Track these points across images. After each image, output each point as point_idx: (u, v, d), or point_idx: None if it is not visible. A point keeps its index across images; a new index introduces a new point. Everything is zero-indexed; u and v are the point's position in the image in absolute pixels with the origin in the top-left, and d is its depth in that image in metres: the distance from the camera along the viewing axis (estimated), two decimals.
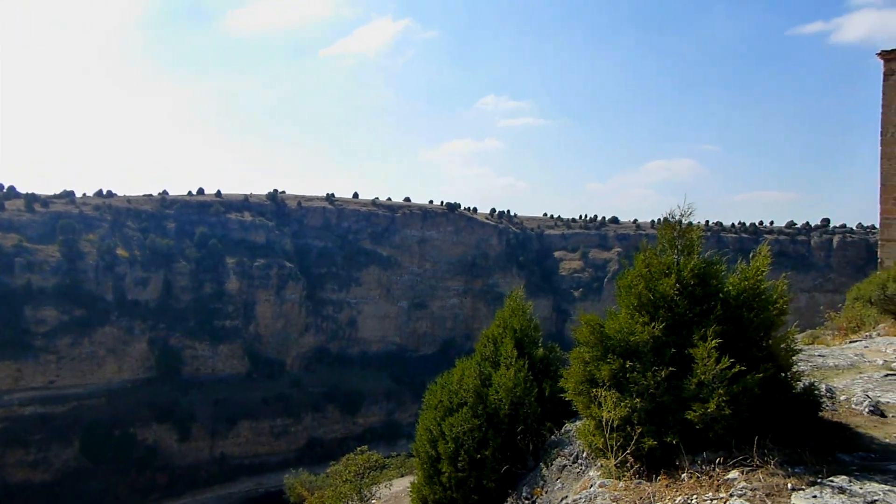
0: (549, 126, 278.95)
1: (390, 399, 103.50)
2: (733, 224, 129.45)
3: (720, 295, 5.38)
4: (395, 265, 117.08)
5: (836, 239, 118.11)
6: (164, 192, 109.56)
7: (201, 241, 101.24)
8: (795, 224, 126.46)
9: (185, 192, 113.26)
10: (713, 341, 4.85)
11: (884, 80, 22.76)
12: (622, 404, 5.25)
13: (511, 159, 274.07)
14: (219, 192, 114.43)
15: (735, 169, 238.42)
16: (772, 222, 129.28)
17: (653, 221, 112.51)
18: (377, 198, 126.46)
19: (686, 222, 5.44)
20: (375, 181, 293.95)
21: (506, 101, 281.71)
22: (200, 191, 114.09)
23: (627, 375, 5.32)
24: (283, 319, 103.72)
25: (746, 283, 5.27)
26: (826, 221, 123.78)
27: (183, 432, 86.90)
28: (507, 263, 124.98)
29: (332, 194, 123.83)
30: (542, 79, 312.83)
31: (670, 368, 5.16)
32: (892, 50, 22.86)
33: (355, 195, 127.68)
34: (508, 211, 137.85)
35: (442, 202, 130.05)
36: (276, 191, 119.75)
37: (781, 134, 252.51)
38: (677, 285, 5.29)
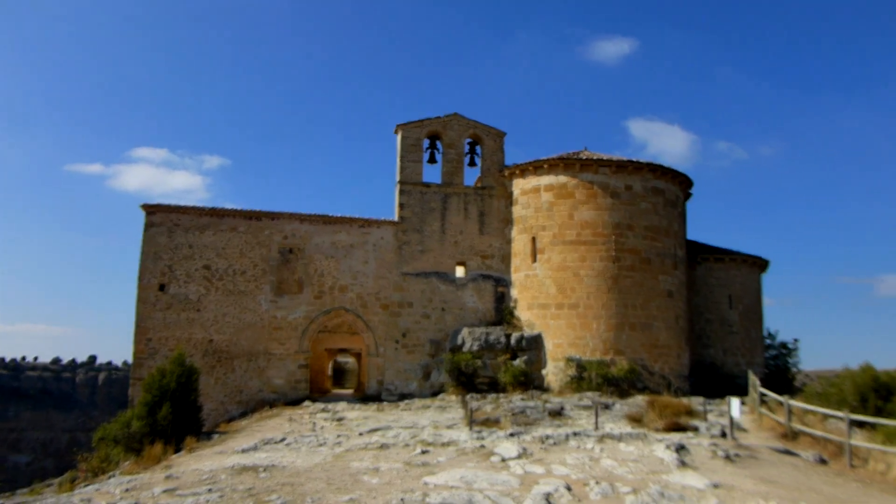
0: None
1: None
2: None
3: None
4: None
5: (101, 376, 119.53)
6: None
7: None
8: (62, 360, 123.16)
9: None
10: None
11: (145, 231, 24.88)
12: None
13: None
14: None
15: None
16: (36, 358, 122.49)
17: None
18: None
19: None
20: None
21: None
22: None
23: None
24: None
25: None
26: (93, 358, 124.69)
27: None
28: None
29: None
30: None
31: None
32: (154, 205, 25.41)
33: None
34: None
35: None
36: None
37: (54, 268, 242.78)
38: None
